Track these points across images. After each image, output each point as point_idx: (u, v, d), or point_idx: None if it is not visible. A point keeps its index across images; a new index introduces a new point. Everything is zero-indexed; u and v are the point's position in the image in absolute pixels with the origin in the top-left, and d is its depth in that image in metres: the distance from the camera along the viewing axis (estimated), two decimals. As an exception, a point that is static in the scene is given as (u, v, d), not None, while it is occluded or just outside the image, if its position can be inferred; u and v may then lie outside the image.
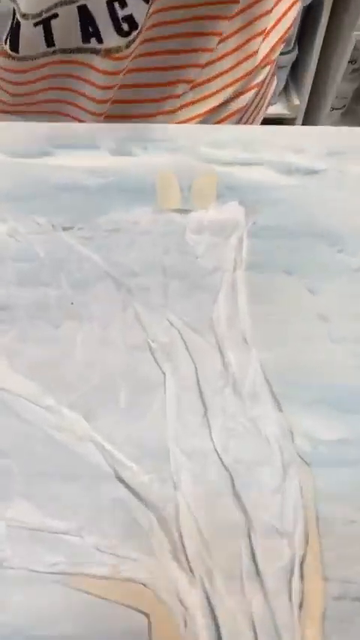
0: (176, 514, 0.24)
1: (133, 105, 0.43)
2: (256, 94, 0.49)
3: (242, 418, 0.26)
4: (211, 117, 0.46)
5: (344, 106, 1.47)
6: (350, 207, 0.33)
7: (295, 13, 0.44)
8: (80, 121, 0.42)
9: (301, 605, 0.23)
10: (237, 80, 0.45)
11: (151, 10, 0.35)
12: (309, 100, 1.41)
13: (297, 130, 0.37)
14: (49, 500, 0.24)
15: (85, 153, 0.35)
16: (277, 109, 1.30)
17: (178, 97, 0.43)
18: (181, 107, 0.44)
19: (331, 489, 0.25)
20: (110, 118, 0.42)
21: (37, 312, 0.29)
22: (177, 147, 0.35)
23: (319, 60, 1.30)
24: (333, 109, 1.42)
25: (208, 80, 0.44)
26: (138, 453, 0.25)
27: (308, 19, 1.26)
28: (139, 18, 0.34)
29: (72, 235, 0.31)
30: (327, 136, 0.36)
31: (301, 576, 0.23)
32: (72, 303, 0.29)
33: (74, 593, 0.23)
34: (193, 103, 0.45)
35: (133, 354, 0.28)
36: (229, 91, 0.45)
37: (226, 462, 0.25)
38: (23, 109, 0.42)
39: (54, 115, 0.43)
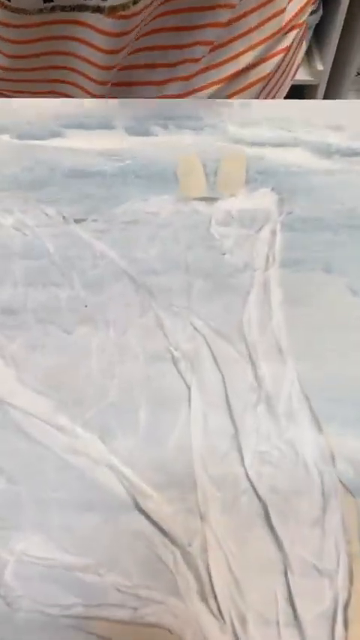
0: (204, 550, 0.22)
1: (144, 71, 0.39)
2: (282, 61, 0.44)
3: (277, 440, 0.24)
4: (231, 85, 0.42)
5: (369, 71, 1.39)
6: None
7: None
8: (84, 91, 0.38)
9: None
10: (261, 42, 0.41)
11: None
12: (333, 64, 1.33)
13: (336, 105, 0.33)
14: (63, 532, 0.22)
15: (99, 133, 0.31)
16: (298, 75, 1.23)
17: (196, 61, 0.39)
18: (197, 73, 0.40)
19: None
20: (116, 86, 0.38)
21: (47, 316, 0.26)
22: (201, 125, 0.31)
23: (344, 21, 1.22)
24: (359, 74, 1.34)
25: (230, 41, 0.39)
26: (160, 480, 0.23)
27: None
28: None
29: (85, 228, 0.28)
30: (369, 110, 0.32)
31: (345, 622, 0.21)
32: (86, 306, 0.26)
33: (92, 640, 0.20)
34: (210, 68, 0.41)
35: (154, 365, 0.25)
36: (252, 55, 0.41)
37: (260, 491, 0.23)
38: (22, 76, 0.38)
39: (56, 83, 0.39)
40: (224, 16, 0.37)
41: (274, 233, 0.29)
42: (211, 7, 0.35)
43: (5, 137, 0.31)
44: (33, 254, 0.27)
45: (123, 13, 0.32)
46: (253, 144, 0.31)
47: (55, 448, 0.23)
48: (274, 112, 0.32)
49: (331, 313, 0.27)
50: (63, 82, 0.39)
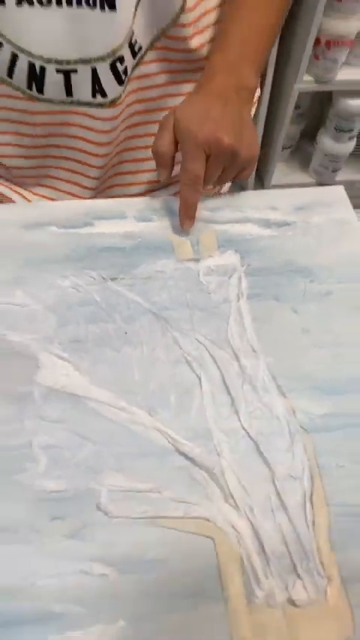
0: (222, 472, 0.35)
1: (131, 176, 0.56)
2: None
3: (259, 404, 0.38)
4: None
5: (291, 145, 1.64)
6: (315, 249, 0.46)
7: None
8: (88, 165, 0.53)
9: (313, 523, 0.34)
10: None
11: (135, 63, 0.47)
12: (263, 142, 1.57)
13: (272, 193, 0.49)
14: (133, 470, 0.35)
15: (117, 222, 0.46)
16: (277, 193, 1.45)
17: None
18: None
19: (324, 446, 0.36)
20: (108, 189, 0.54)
21: (102, 342, 0.40)
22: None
23: (268, 108, 1.47)
24: (284, 148, 1.59)
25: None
26: (190, 435, 0.36)
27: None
28: (130, 66, 0.47)
29: (118, 284, 0.43)
30: (294, 196, 0.49)
31: (312, 505, 0.34)
32: (126, 333, 0.40)
33: (160, 530, 0.33)
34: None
35: (175, 367, 0.39)
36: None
37: (252, 435, 0.36)
38: (38, 152, 0.53)
39: (61, 160, 0.53)
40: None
41: (240, 279, 0.44)
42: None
43: (53, 228, 0.45)
44: (87, 303, 0.41)
45: (117, 102, 0.47)
46: (220, 222, 0.47)
47: (120, 421, 0.36)
48: (232, 201, 0.48)
49: (282, 326, 0.42)
50: (68, 159, 0.53)
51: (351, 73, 1.36)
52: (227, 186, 0.61)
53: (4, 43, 0.44)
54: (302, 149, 1.66)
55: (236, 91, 0.45)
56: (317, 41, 1.28)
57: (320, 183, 1.54)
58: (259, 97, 1.40)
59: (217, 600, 0.31)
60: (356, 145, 1.56)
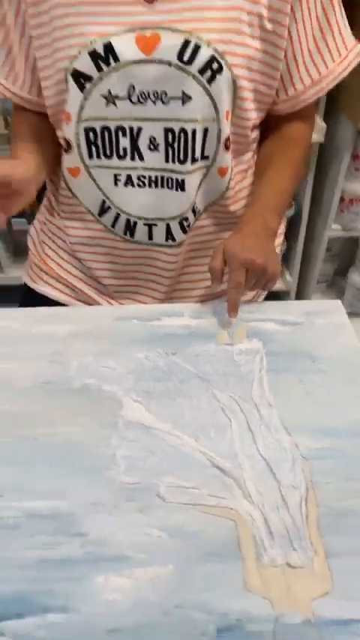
0: (244, 480, 0.51)
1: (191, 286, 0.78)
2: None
3: (271, 439, 0.54)
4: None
5: (327, 280, 1.88)
6: (317, 341, 0.64)
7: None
8: (159, 284, 0.76)
9: (307, 517, 0.48)
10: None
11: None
12: (300, 277, 1.82)
13: (289, 303, 0.70)
14: (182, 475, 0.51)
15: (177, 318, 0.67)
16: (275, 286, 1.70)
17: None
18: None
19: (317, 468, 0.51)
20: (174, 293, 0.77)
21: (165, 393, 0.58)
22: (224, 313, 0.68)
23: (303, 250, 1.74)
24: (319, 282, 1.83)
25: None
26: (223, 456, 0.53)
27: (292, 223, 1.71)
28: (192, 222, 0.71)
29: (176, 357, 0.62)
30: (304, 305, 0.69)
31: (306, 505, 0.49)
32: (180, 386, 0.59)
33: (199, 513, 0.48)
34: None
35: (214, 413, 0.57)
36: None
37: (266, 459, 0.52)
38: (127, 275, 0.77)
39: (142, 280, 0.77)
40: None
41: (262, 358, 0.62)
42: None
43: (135, 321, 0.67)
44: (154, 368, 0.61)
45: (181, 244, 0.71)
46: (250, 320, 0.67)
47: (175, 444, 0.54)
48: (260, 307, 0.69)
49: (290, 389, 0.59)
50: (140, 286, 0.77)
51: (371, 223, 1.62)
52: (262, 296, 0.83)
53: (112, 207, 0.70)
54: (336, 284, 1.89)
55: (264, 230, 0.67)
56: (342, 199, 1.57)
57: (353, 314, 1.74)
58: (294, 240, 1.69)
59: (236, 559, 0.45)
60: (381, 280, 1.77)
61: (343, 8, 0.68)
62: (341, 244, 1.75)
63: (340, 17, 0.67)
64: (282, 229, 1.71)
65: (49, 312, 0.69)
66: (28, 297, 0.83)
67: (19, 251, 1.72)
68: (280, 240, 0.84)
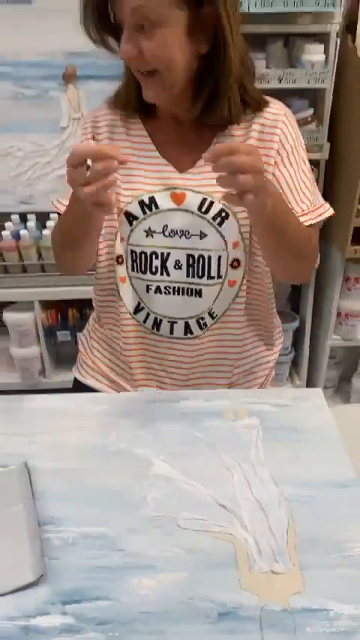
0: (241, 515, 0.68)
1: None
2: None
3: (263, 488, 0.72)
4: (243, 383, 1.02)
5: (333, 385, 2.07)
6: (299, 423, 0.84)
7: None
8: (180, 369, 0.98)
9: (287, 542, 0.65)
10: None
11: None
12: (308, 383, 2.01)
13: (283, 389, 0.91)
14: (195, 511, 0.69)
15: (193, 402, 0.88)
16: (285, 390, 1.89)
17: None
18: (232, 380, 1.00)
19: (296, 509, 0.69)
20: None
21: (183, 455, 0.78)
22: (230, 398, 0.88)
23: (309, 359, 1.96)
24: (327, 387, 2.01)
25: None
26: (225, 498, 0.71)
27: (298, 335, 1.95)
28: (209, 322, 0.94)
29: (192, 429, 0.82)
30: (291, 391, 0.90)
31: (287, 534, 0.66)
32: (194, 451, 0.78)
33: (207, 536, 0.66)
34: (234, 385, 1.02)
35: (220, 469, 0.75)
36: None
37: (258, 500, 0.70)
38: (153, 365, 0.99)
39: (165, 367, 0.99)
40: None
41: (258, 431, 0.82)
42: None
43: (159, 403, 0.88)
44: (176, 438, 0.81)
45: (198, 337, 0.94)
46: (250, 404, 0.87)
47: (190, 490, 0.72)
48: (258, 393, 0.89)
49: (279, 453, 0.78)
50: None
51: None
52: (270, 379, 1.04)
53: (145, 308, 0.94)
54: (342, 389, 2.07)
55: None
56: (339, 314, 1.81)
57: None
58: (301, 350, 1.92)
59: (233, 568, 0.62)
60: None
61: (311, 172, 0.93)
62: (343, 353, 1.97)
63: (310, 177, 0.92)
64: (289, 342, 1.98)
65: (95, 397, 0.91)
66: (76, 386, 1.06)
67: (61, 359, 1.98)
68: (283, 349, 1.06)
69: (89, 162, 0.68)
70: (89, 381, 1.06)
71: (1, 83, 1.63)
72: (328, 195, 1.64)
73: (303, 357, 1.87)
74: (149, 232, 0.90)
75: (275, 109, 0.88)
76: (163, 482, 0.74)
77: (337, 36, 1.52)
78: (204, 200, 0.88)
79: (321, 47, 1.51)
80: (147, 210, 0.89)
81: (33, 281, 1.75)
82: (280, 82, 1.48)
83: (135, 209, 0.90)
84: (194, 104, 0.83)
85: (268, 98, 0.89)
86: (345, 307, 1.73)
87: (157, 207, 0.89)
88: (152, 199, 0.89)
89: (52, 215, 1.72)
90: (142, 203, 0.89)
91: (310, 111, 1.60)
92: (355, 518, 0.68)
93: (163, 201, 0.89)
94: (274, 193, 0.77)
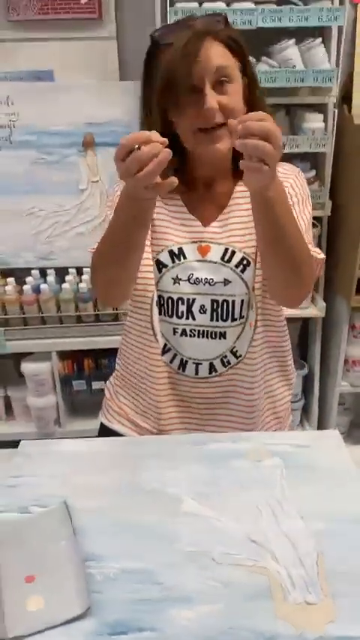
0: (273, 550, 0.72)
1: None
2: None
3: (290, 523, 0.76)
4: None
5: (344, 432, 2.10)
6: (319, 462, 0.88)
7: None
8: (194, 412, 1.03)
9: (318, 573, 0.68)
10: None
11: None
12: (318, 429, 2.04)
13: (298, 433, 0.95)
14: (228, 546, 0.73)
15: (220, 444, 0.93)
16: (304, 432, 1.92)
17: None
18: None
19: (325, 542, 0.73)
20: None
21: (213, 494, 0.82)
22: (255, 440, 0.93)
23: (319, 405, 2.00)
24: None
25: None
26: (257, 533, 0.74)
27: (307, 382, 2.00)
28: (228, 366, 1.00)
29: (220, 470, 0.87)
30: (310, 434, 0.94)
31: (317, 565, 0.69)
32: (223, 490, 0.82)
33: (243, 570, 0.69)
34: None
35: (249, 506, 0.79)
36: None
37: (286, 534, 0.74)
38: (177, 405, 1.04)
39: (180, 409, 1.04)
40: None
41: (282, 470, 0.86)
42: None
43: (188, 445, 0.93)
44: (205, 477, 0.85)
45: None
46: (273, 445, 0.92)
47: (221, 527, 0.76)
48: (276, 435, 0.94)
49: (302, 490, 0.82)
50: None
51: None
52: (287, 424, 1.09)
53: (172, 349, 1.00)
54: (353, 434, 2.10)
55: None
56: (346, 361, 1.87)
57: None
58: (311, 396, 1.97)
59: (268, 600, 0.65)
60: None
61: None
62: (353, 399, 2.01)
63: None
64: (299, 389, 2.03)
65: (126, 440, 0.96)
66: (103, 431, 1.11)
67: (75, 409, 2.02)
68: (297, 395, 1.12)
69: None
70: (116, 426, 1.10)
71: (25, 151, 1.77)
72: (331, 249, 1.75)
73: (313, 404, 1.91)
74: (176, 280, 0.98)
75: (288, 167, 0.99)
76: (195, 519, 0.78)
77: (334, 106, 1.66)
78: (226, 250, 0.96)
79: (320, 116, 1.65)
80: (176, 260, 0.98)
81: (51, 332, 1.83)
82: (284, 147, 1.61)
83: (165, 258, 0.98)
84: (232, 163, 0.95)
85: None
86: (352, 354, 1.80)
87: (184, 257, 0.97)
88: (181, 250, 0.97)
89: (70, 270, 1.82)
90: (171, 253, 0.98)
91: (313, 172, 1.72)
92: (380, 551, 0.72)
93: (190, 252, 0.97)
94: (279, 184, 0.81)
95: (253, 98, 0.92)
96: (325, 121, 1.65)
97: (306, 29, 1.56)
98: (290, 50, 1.56)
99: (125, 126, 1.72)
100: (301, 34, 1.61)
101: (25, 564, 0.70)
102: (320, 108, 1.67)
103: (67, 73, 1.76)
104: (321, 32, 1.64)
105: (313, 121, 1.65)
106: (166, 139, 0.74)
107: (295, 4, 1.53)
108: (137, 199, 0.79)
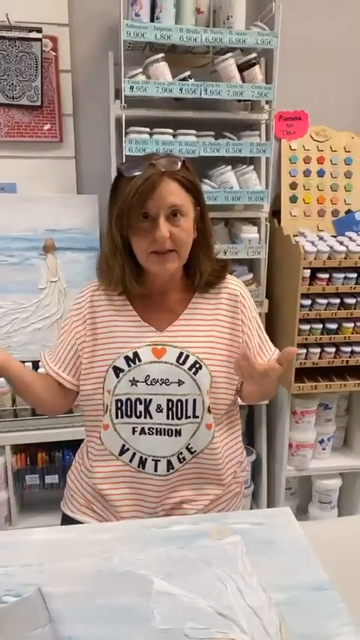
0: (239, 621, 0.78)
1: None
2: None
3: (253, 595, 0.83)
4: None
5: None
6: (275, 536, 0.97)
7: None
8: (150, 502, 1.09)
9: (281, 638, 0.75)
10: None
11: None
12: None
13: (255, 511, 1.04)
14: (198, 622, 0.78)
15: (183, 526, 1.00)
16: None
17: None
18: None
19: (285, 610, 0.80)
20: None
21: (180, 573, 0.87)
22: (213, 521, 1.01)
23: (267, 490, 2.08)
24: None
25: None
26: (224, 607, 0.80)
27: (255, 467, 2.09)
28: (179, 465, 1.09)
29: (185, 550, 0.93)
30: (265, 512, 1.03)
31: (280, 632, 0.76)
32: (189, 569, 0.88)
33: (213, 642, 0.74)
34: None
35: (215, 581, 0.86)
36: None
37: (252, 607, 0.80)
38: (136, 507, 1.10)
39: (136, 501, 1.10)
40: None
41: (242, 546, 0.94)
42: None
43: (154, 529, 0.99)
44: (172, 558, 0.91)
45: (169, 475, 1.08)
46: (232, 524, 1.00)
47: (192, 603, 0.81)
48: (238, 514, 1.02)
49: (262, 563, 0.89)
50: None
51: (319, 463, 2.04)
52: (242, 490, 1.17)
53: (136, 453, 1.08)
54: (300, 519, 2.17)
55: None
56: (290, 445, 2.00)
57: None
58: (259, 481, 2.06)
59: (239, 667, 0.71)
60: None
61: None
62: (297, 483, 2.11)
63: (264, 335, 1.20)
64: (248, 475, 2.15)
65: (94, 527, 1.00)
66: (65, 521, 1.14)
67: (26, 504, 1.98)
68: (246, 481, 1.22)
69: None
70: (78, 516, 1.14)
71: (-13, 254, 1.89)
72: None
73: (262, 489, 1.99)
74: (133, 382, 1.08)
75: (234, 284, 1.17)
76: (166, 597, 0.83)
77: (265, 220, 1.92)
78: (181, 354, 1.09)
79: (255, 228, 1.90)
80: (131, 364, 1.08)
81: (4, 426, 1.84)
82: (225, 254, 1.83)
83: (121, 363, 1.09)
84: (183, 275, 1.12)
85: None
86: (295, 439, 1.92)
87: (139, 360, 1.08)
88: (136, 354, 1.09)
89: (26, 364, 1.88)
90: (127, 358, 1.09)
91: (250, 275, 1.94)
92: (335, 616, 0.80)
93: (145, 355, 1.09)
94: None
95: (204, 220, 1.11)
96: (259, 232, 1.90)
97: (239, 158, 1.84)
98: (227, 174, 1.82)
99: (84, 233, 1.89)
100: (235, 161, 1.89)
101: (5, 653, 0.72)
102: (254, 221, 1.93)
103: (29, 185, 1.94)
104: (251, 160, 1.93)
105: (249, 232, 1.89)
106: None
107: (231, 138, 1.82)
108: None
